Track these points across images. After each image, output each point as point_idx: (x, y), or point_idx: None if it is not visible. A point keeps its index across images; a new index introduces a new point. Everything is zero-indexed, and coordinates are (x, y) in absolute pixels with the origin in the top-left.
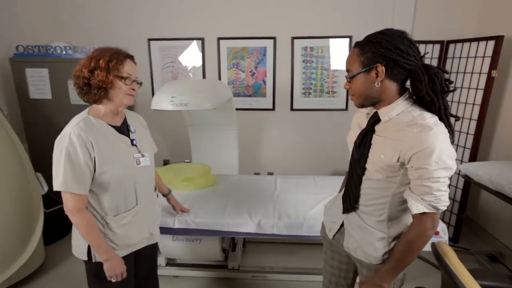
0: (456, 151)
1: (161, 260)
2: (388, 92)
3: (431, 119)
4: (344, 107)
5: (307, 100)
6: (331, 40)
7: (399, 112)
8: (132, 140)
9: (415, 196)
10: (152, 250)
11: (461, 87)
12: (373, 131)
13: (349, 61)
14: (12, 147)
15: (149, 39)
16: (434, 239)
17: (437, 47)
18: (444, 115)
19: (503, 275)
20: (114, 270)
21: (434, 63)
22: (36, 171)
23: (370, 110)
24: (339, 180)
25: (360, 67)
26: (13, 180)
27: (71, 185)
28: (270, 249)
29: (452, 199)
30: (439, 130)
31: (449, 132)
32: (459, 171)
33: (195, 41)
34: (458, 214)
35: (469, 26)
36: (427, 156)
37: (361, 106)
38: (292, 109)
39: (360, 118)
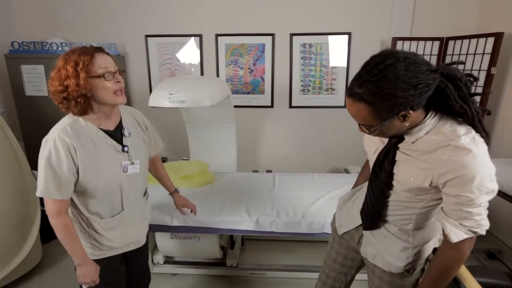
0: None
1: (159, 258)
2: (417, 119)
3: (466, 137)
4: (343, 104)
5: (305, 97)
6: (330, 37)
7: (427, 131)
8: (124, 147)
9: (452, 221)
10: (141, 258)
11: None
12: (396, 148)
13: (357, 117)
14: (8, 145)
15: (147, 36)
16: None
17: (437, 44)
18: (478, 122)
19: (501, 272)
20: (85, 278)
21: (434, 60)
22: (33, 169)
23: None
24: (338, 178)
25: (380, 121)
26: (9, 178)
27: (52, 192)
28: (268, 247)
29: None
30: (478, 150)
31: (485, 140)
32: None
33: (193, 38)
34: None
35: (468, 23)
36: (466, 183)
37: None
38: (290, 106)
39: None
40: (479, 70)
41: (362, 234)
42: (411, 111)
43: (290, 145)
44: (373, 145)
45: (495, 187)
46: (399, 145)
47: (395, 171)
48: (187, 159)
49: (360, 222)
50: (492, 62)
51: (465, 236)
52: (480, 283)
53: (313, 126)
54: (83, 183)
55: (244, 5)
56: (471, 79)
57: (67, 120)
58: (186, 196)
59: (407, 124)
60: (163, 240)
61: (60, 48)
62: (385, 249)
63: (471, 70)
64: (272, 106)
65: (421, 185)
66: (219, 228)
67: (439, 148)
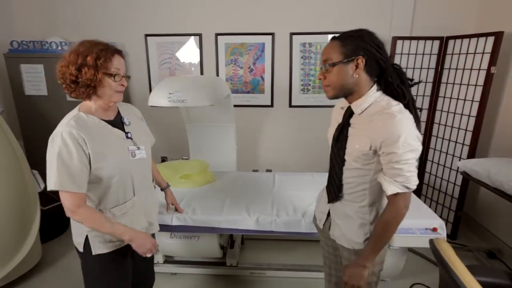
0: (455, 147)
1: (159, 258)
2: (362, 84)
3: (396, 107)
4: None
5: (305, 96)
6: (329, 36)
7: (370, 103)
8: (127, 133)
9: (388, 179)
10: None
11: (460, 84)
12: (348, 125)
13: (327, 52)
14: (8, 144)
15: (146, 35)
16: (432, 235)
17: (437, 43)
18: (412, 107)
19: (501, 272)
20: (144, 246)
21: (434, 59)
22: (32, 169)
23: (344, 104)
24: None
25: (341, 57)
26: (9, 177)
27: (67, 184)
28: (268, 246)
29: (450, 195)
30: (403, 116)
31: (416, 121)
32: (458, 167)
33: (192, 37)
34: (456, 211)
35: (468, 22)
36: (394, 141)
37: (334, 97)
38: (290, 105)
39: (337, 113)
40: (479, 69)
41: (331, 221)
42: (364, 61)
43: (290, 145)
44: (333, 131)
45: (418, 147)
46: (351, 121)
47: (347, 145)
48: (187, 159)
49: (328, 208)
50: (492, 62)
51: (398, 190)
52: (480, 282)
53: (313, 125)
54: (95, 172)
55: (244, 4)
56: (410, 80)
57: (69, 116)
58: (186, 195)
59: (356, 76)
60: (163, 240)
61: (59, 48)
62: (346, 228)
63: (471, 69)
64: (272, 105)
65: (364, 149)
66: (219, 227)
67: (376, 116)
